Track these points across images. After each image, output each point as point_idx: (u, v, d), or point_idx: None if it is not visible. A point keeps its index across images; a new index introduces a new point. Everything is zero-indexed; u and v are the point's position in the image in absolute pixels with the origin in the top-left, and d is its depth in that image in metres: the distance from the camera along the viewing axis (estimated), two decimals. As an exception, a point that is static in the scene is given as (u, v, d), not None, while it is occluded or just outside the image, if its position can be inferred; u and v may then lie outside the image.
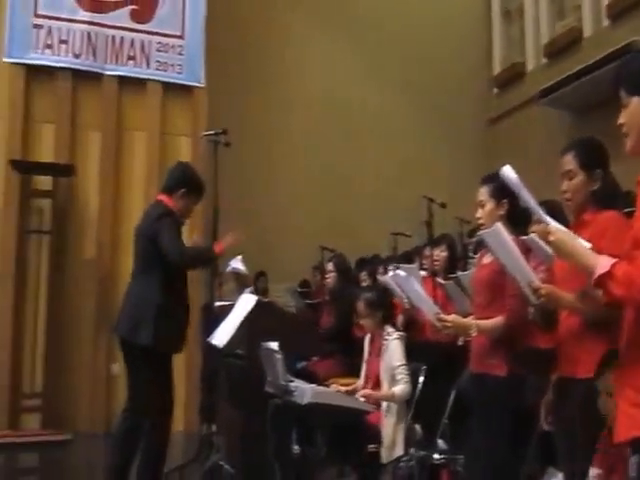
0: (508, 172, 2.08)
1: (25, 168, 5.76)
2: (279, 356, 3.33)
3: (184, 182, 3.64)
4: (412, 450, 3.07)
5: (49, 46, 6.05)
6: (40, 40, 6.03)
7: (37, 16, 6.05)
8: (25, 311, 5.71)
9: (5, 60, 5.95)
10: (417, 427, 3.35)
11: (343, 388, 3.57)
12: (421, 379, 3.35)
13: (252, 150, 7.42)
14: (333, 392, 3.49)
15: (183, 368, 5.97)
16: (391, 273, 3.69)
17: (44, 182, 5.84)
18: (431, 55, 8.55)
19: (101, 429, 5.47)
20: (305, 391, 3.25)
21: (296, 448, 3.46)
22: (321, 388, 3.50)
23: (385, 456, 3.28)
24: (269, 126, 7.89)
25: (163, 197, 3.63)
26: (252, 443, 3.80)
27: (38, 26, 6.04)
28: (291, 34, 8.20)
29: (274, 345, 3.39)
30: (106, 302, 5.67)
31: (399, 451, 3.26)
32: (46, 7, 6.08)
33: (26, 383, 5.61)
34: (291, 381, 3.36)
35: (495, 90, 8.99)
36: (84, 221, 6.02)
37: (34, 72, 6.03)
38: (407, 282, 2.95)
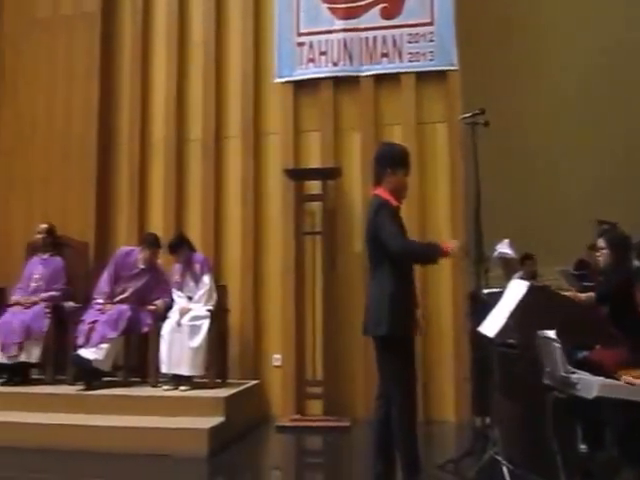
0: None
1: (297, 175, 6.24)
2: (558, 345, 3.11)
3: (384, 164, 3.64)
4: None
5: (311, 60, 6.53)
6: (304, 56, 6.55)
7: (299, 35, 6.59)
8: (305, 305, 6.17)
9: (277, 80, 6.59)
10: None
11: (637, 380, 3.11)
12: None
13: (510, 125, 6.96)
14: (624, 385, 3.06)
15: (451, 359, 5.89)
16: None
17: (314, 186, 6.25)
18: None
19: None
20: (591, 384, 2.98)
21: (582, 447, 3.14)
22: (609, 380, 3.11)
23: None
24: (524, 97, 7.32)
25: (377, 190, 3.67)
26: (531, 439, 3.56)
27: (301, 44, 6.58)
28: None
29: (551, 333, 3.18)
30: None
31: None
32: (306, 25, 6.59)
33: (309, 372, 6.04)
34: (573, 372, 3.11)
35: None
36: (350, 218, 6.29)
37: (300, 86, 6.55)
38: None
